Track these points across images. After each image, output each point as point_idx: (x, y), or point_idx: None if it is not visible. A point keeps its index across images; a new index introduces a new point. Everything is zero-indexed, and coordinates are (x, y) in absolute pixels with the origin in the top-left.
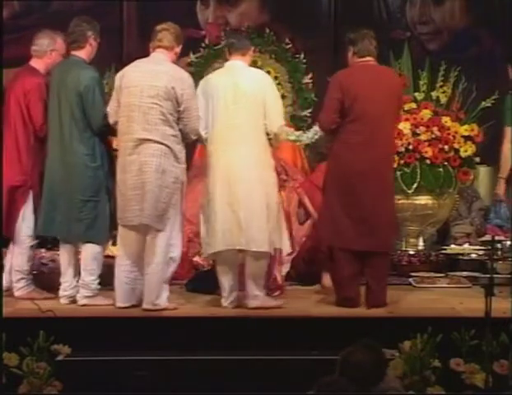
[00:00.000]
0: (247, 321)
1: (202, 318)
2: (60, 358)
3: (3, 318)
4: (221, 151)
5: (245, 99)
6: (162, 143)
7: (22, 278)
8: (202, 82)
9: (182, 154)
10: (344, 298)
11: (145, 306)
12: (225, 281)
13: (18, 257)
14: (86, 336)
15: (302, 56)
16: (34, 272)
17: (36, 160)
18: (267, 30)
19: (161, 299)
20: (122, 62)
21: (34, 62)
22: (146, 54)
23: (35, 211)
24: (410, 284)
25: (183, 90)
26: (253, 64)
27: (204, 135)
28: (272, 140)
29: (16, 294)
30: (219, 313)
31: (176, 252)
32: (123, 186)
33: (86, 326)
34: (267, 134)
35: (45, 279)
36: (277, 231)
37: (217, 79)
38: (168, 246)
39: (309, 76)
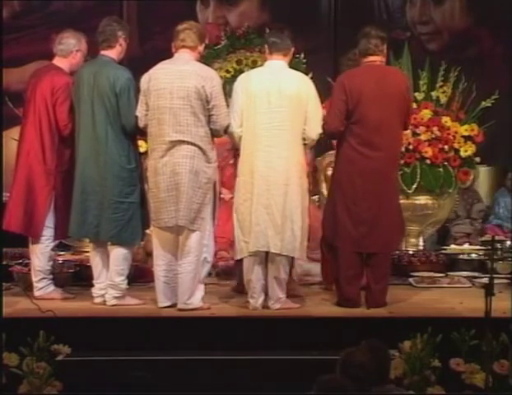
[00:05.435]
0: (247, 321)
1: (202, 319)
2: (60, 358)
3: (3, 318)
4: (261, 151)
5: (290, 102)
6: (194, 144)
7: (43, 278)
8: (242, 79)
9: (212, 153)
10: (344, 298)
11: (179, 306)
12: (257, 281)
13: (39, 257)
14: (86, 336)
15: (302, 56)
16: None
17: (60, 161)
18: (267, 30)
19: (194, 298)
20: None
21: (59, 62)
22: (145, 53)
23: (56, 211)
24: (410, 284)
25: (213, 87)
26: (253, 64)
27: (239, 133)
28: (307, 145)
29: (37, 294)
30: (219, 313)
31: (209, 252)
32: (155, 188)
33: (86, 326)
34: (303, 139)
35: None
36: (306, 237)
37: (260, 78)
38: (201, 246)
39: (309, 76)
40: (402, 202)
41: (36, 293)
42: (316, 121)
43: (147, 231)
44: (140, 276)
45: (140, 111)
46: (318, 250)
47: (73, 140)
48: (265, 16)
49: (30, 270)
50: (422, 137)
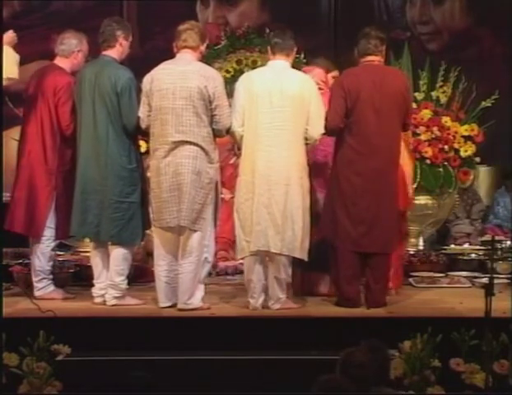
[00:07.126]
0: (247, 321)
1: (202, 319)
2: (60, 358)
3: (3, 318)
4: (262, 151)
5: (291, 102)
6: (197, 144)
7: (43, 278)
8: (244, 79)
9: (215, 154)
10: (344, 298)
11: (179, 306)
12: (258, 281)
13: (39, 257)
14: (86, 336)
15: (302, 56)
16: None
17: (61, 161)
18: (267, 30)
19: (195, 298)
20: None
21: (61, 62)
22: (146, 53)
23: (57, 211)
24: (410, 284)
25: (215, 87)
26: (253, 64)
27: (241, 132)
28: (309, 145)
29: (37, 294)
30: (219, 313)
31: (210, 252)
32: (158, 188)
33: (86, 326)
34: (305, 139)
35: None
36: (307, 237)
37: (262, 78)
38: (202, 246)
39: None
40: None
41: (36, 293)
42: (318, 121)
43: (147, 231)
44: (140, 276)
45: (142, 112)
46: None
47: (75, 140)
48: (265, 16)
49: (30, 270)
50: (422, 137)
